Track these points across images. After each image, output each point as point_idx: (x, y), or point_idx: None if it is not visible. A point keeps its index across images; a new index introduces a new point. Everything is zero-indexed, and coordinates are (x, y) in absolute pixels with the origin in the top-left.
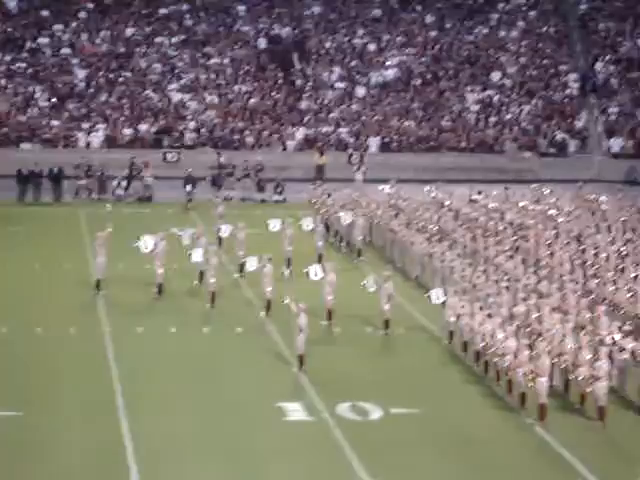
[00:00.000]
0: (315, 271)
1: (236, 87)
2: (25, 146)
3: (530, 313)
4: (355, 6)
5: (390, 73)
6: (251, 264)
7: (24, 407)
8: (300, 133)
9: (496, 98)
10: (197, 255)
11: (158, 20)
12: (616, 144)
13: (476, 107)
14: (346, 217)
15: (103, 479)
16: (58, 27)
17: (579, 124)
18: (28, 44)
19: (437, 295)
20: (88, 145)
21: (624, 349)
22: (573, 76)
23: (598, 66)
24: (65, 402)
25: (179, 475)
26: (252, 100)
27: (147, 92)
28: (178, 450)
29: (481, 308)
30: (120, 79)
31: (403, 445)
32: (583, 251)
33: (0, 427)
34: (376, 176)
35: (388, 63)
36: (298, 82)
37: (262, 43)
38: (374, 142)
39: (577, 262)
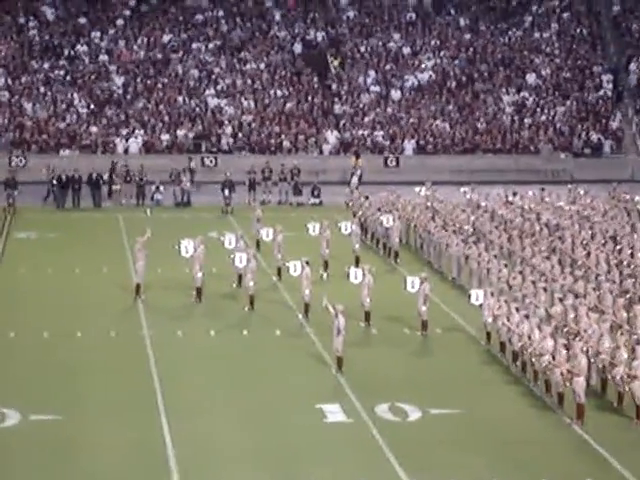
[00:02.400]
0: (355, 274)
1: (272, 92)
2: (64, 152)
3: (567, 313)
4: (389, 10)
5: (425, 76)
6: (294, 269)
7: (64, 411)
8: (335, 137)
9: (531, 100)
10: (240, 259)
11: (194, 26)
12: None
13: (511, 109)
14: (388, 220)
15: None
16: (95, 34)
17: (613, 125)
18: (66, 52)
19: (477, 296)
20: (126, 151)
21: None
22: (607, 77)
23: (632, 66)
24: (105, 405)
25: (219, 476)
26: (288, 104)
27: (184, 98)
28: (218, 452)
29: (518, 309)
30: (157, 85)
31: (442, 445)
32: (619, 251)
33: (40, 431)
34: (412, 179)
35: (423, 66)
36: (333, 86)
37: (297, 48)
38: (409, 145)
39: (613, 262)
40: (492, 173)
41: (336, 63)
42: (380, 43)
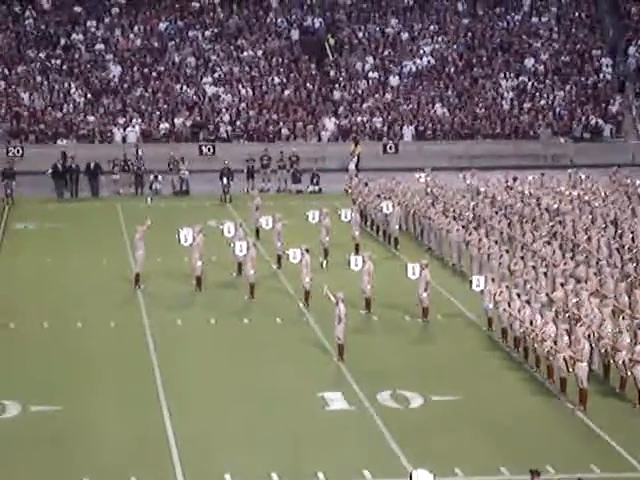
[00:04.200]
0: (356, 261)
1: (270, 79)
2: (61, 142)
3: (568, 298)
4: None
5: (423, 61)
6: (293, 256)
7: (65, 401)
8: (334, 123)
9: (530, 84)
10: (240, 248)
11: (191, 14)
12: None
13: (510, 94)
14: (387, 207)
15: (146, 471)
16: (91, 23)
17: (613, 109)
18: (62, 41)
19: (478, 282)
20: (124, 140)
21: None
22: (606, 60)
23: (631, 50)
24: (106, 395)
25: (222, 465)
26: (286, 92)
27: (181, 86)
28: (220, 440)
29: (519, 295)
30: (154, 74)
31: (445, 432)
32: (620, 235)
33: (41, 422)
34: (411, 165)
35: (421, 51)
36: (331, 73)
37: (295, 34)
38: (408, 131)
39: (614, 246)
40: (492, 158)
41: (332, 42)
42: (378, 29)
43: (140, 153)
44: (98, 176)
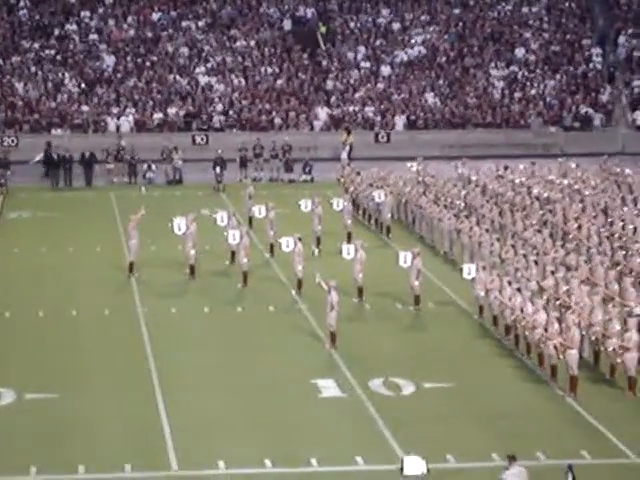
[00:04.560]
0: (348, 249)
1: (262, 69)
2: (56, 132)
3: (559, 286)
4: None
5: (415, 51)
6: (286, 245)
7: (60, 389)
8: (326, 113)
9: (520, 74)
10: (233, 236)
11: (184, 4)
12: None
13: (501, 83)
14: (379, 195)
15: (140, 457)
16: (85, 14)
17: (603, 98)
18: (56, 31)
19: (469, 270)
20: (118, 129)
21: None
22: (596, 50)
23: (621, 40)
24: (101, 383)
25: (215, 452)
26: (278, 81)
27: (174, 76)
28: (214, 428)
29: (510, 282)
30: (148, 64)
31: (436, 419)
32: (610, 224)
33: (36, 410)
34: (403, 154)
35: (412, 41)
36: (324, 62)
37: (287, 24)
38: (400, 120)
39: (604, 234)
40: (483, 147)
41: (323, 30)
42: (369, 19)
43: (124, 143)
44: (93, 166)
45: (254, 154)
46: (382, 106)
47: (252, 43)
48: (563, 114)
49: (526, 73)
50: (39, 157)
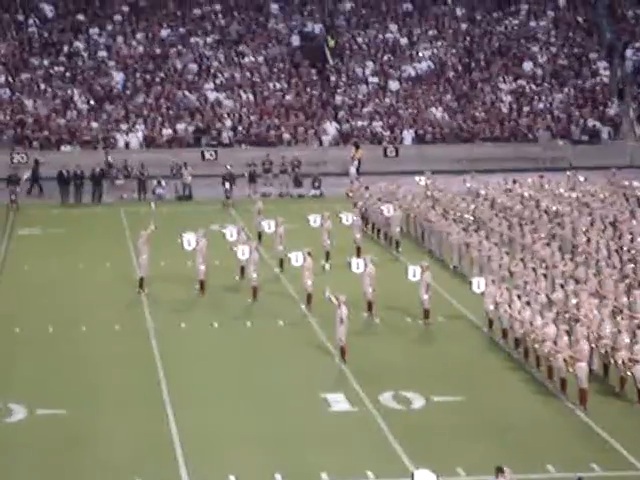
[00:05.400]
0: (357, 264)
1: (271, 84)
2: (65, 148)
3: (568, 299)
4: (386, 1)
5: (422, 66)
6: (295, 259)
7: (71, 404)
8: (335, 128)
9: (528, 88)
10: (243, 251)
11: (192, 21)
12: None
13: (509, 97)
14: (388, 210)
15: (151, 472)
16: (94, 31)
17: (611, 111)
18: (65, 48)
19: (478, 283)
20: (127, 146)
21: None
22: (603, 64)
23: (628, 53)
24: (111, 398)
25: (226, 467)
26: (287, 97)
27: (183, 92)
28: (224, 442)
29: (519, 296)
30: (157, 80)
31: (446, 433)
32: (619, 237)
33: (47, 426)
34: (411, 168)
35: (420, 55)
36: (332, 78)
37: (295, 40)
38: (408, 135)
39: (613, 248)
40: (491, 161)
41: (332, 43)
42: (377, 34)
43: (129, 162)
44: (102, 182)
45: (263, 169)
46: (390, 121)
47: (260, 59)
48: (571, 127)
49: (534, 87)
50: (27, 174)
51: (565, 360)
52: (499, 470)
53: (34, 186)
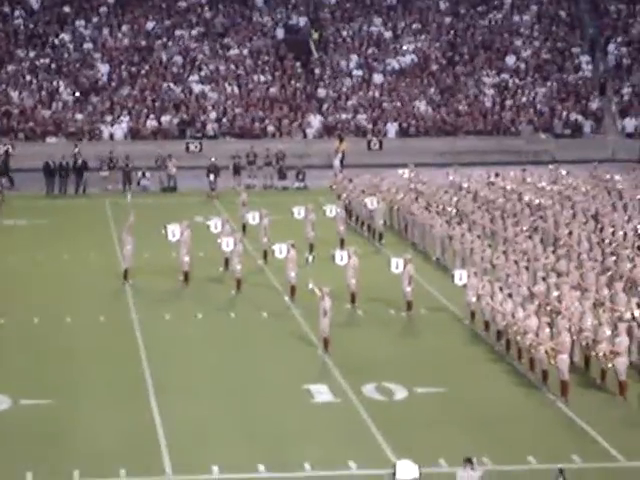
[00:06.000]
0: (341, 256)
1: (255, 77)
2: (51, 140)
3: (550, 292)
4: None
5: (406, 59)
6: (279, 251)
7: (55, 395)
8: (319, 121)
9: (511, 81)
10: (227, 243)
11: (177, 13)
12: (630, 124)
13: (492, 91)
14: (372, 202)
15: (135, 463)
16: (80, 23)
17: (593, 105)
18: (51, 40)
19: (460, 276)
20: (112, 137)
21: None
22: (586, 58)
23: (610, 47)
24: (95, 388)
25: (209, 457)
26: (271, 89)
27: (168, 84)
28: (208, 433)
29: (501, 288)
30: (142, 72)
31: (428, 424)
32: (601, 230)
33: (31, 416)
34: (395, 161)
35: (404, 49)
36: (316, 71)
37: (280, 33)
38: (392, 128)
39: (595, 240)
40: (474, 154)
41: (316, 36)
42: (362, 27)
43: (114, 153)
44: (83, 173)
45: (247, 161)
46: (374, 114)
47: (245, 51)
48: (553, 121)
49: (517, 81)
50: None
51: (547, 352)
52: (467, 461)
53: (3, 177)
